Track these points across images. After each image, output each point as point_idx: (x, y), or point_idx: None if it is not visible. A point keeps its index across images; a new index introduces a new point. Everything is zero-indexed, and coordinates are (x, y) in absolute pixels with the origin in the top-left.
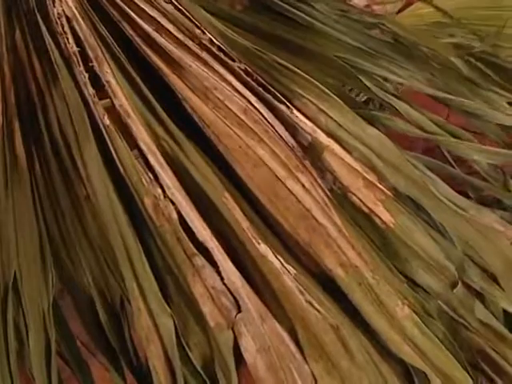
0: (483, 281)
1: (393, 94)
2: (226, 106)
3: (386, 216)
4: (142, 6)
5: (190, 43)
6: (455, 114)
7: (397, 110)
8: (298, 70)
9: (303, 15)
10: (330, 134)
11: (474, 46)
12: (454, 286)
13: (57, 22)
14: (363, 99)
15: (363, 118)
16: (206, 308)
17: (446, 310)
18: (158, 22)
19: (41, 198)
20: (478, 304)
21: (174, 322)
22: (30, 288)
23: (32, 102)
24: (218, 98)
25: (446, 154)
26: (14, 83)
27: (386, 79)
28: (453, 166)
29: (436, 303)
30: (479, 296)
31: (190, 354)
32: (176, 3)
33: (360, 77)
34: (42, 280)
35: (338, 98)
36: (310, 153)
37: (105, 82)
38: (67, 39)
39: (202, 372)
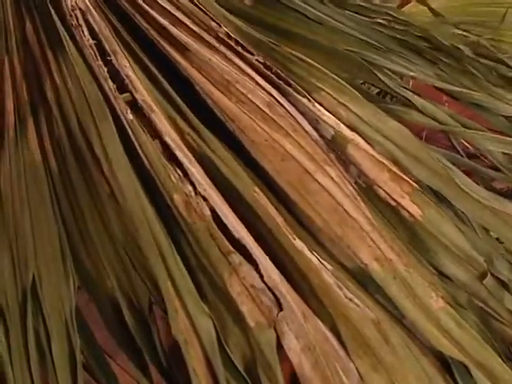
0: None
1: (406, 88)
2: (249, 99)
3: (413, 208)
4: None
5: (206, 36)
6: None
7: (411, 102)
8: (314, 63)
9: (312, 9)
10: (351, 128)
11: (473, 42)
12: (482, 277)
13: (71, 15)
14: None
15: None
16: (245, 307)
17: (475, 302)
18: (173, 15)
19: (58, 198)
20: (507, 295)
21: (214, 323)
22: (50, 292)
23: (46, 99)
24: (241, 92)
25: (457, 147)
26: (25, 79)
27: (396, 73)
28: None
29: (466, 295)
30: (507, 287)
31: (231, 355)
32: None
33: (374, 70)
34: (62, 283)
35: (356, 91)
36: (334, 146)
37: (124, 77)
38: (82, 32)
39: (244, 374)
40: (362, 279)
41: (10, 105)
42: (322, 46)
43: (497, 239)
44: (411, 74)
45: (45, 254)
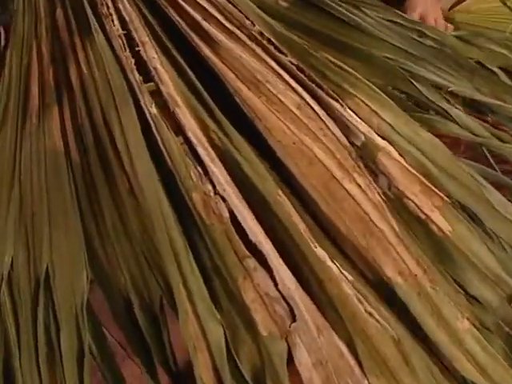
0: None
1: (443, 99)
2: (279, 99)
3: (443, 223)
4: None
5: (239, 33)
6: None
7: (447, 113)
8: (349, 69)
9: (352, 16)
10: (382, 136)
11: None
12: (510, 299)
13: (102, 3)
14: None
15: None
16: (258, 315)
17: (503, 326)
18: (206, 10)
19: (78, 189)
20: None
21: (224, 330)
22: (62, 284)
23: (71, 86)
24: (271, 91)
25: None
26: (52, 65)
27: (432, 83)
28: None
29: (492, 318)
30: None
31: (240, 364)
32: None
33: (411, 80)
34: (76, 276)
35: (389, 99)
36: (363, 154)
37: (151, 68)
38: (112, 21)
39: None
40: (385, 293)
41: (34, 90)
42: (358, 51)
43: None
44: (448, 85)
45: (60, 246)
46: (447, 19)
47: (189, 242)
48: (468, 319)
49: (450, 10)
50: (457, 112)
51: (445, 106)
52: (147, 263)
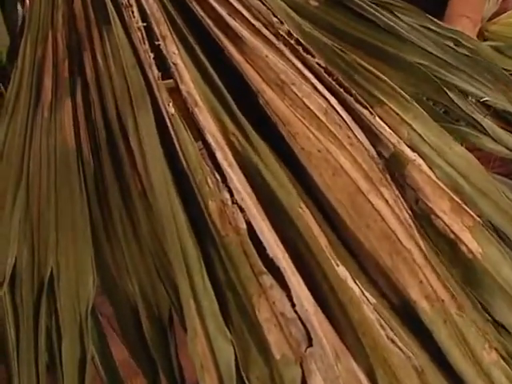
0: None
1: (476, 110)
2: (305, 104)
3: (473, 245)
4: None
5: (266, 32)
6: None
7: (482, 126)
8: (380, 74)
9: (384, 19)
10: (412, 148)
11: None
12: None
13: None
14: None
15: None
16: (272, 336)
17: None
18: (232, 5)
19: (88, 189)
20: None
21: (234, 350)
22: (67, 289)
23: (86, 79)
24: (297, 95)
25: None
26: (68, 56)
27: (466, 93)
28: None
29: None
30: None
31: None
32: None
33: (444, 88)
34: (81, 282)
35: (421, 109)
36: (391, 166)
37: (171, 64)
38: (132, 12)
39: None
40: (409, 318)
41: (48, 82)
42: (390, 56)
43: None
44: (483, 95)
45: (66, 248)
46: (486, 31)
47: (202, 252)
48: (496, 350)
49: (488, 21)
50: (490, 125)
51: (478, 117)
52: (157, 272)
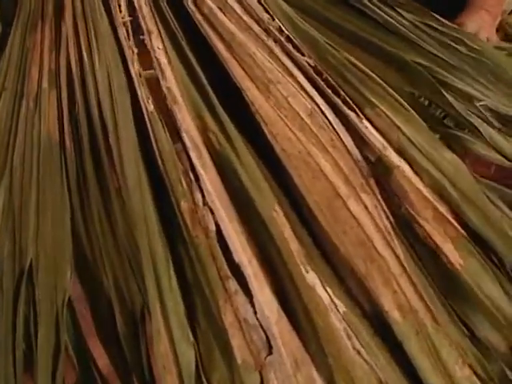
0: None
1: (476, 114)
2: (290, 104)
3: (454, 256)
4: None
5: (256, 28)
6: None
7: (479, 131)
8: (373, 74)
9: (386, 17)
10: (400, 153)
11: None
12: None
13: None
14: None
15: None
16: (235, 341)
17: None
18: (225, 1)
19: (69, 183)
20: None
21: (196, 353)
22: (45, 280)
23: (71, 72)
24: (282, 94)
25: None
26: (55, 48)
27: (466, 96)
28: None
29: (499, 365)
30: None
31: None
32: None
33: (442, 89)
34: (59, 273)
35: (414, 112)
36: (377, 170)
37: (154, 60)
38: (119, 6)
39: None
40: (382, 328)
41: (35, 73)
42: (388, 55)
43: None
44: (484, 99)
45: (46, 241)
46: (506, 23)
47: (173, 252)
48: (470, 366)
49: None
50: (488, 129)
51: (476, 121)
52: (131, 269)
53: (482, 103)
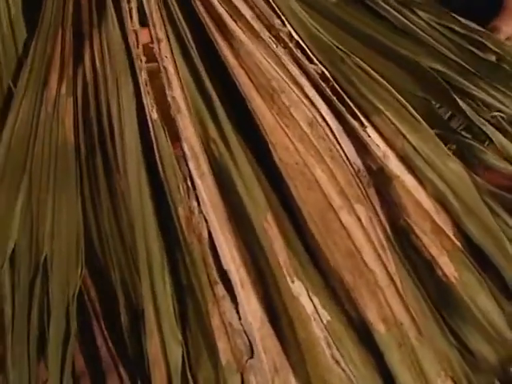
0: None
1: (489, 122)
2: (291, 113)
3: (449, 269)
4: None
5: (265, 35)
6: None
7: (491, 140)
8: (383, 80)
9: (402, 18)
10: (404, 161)
11: None
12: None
13: None
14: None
15: (448, 142)
16: (221, 344)
17: None
18: (235, 6)
19: (83, 186)
20: None
21: (184, 352)
22: (58, 274)
23: (86, 81)
24: (284, 104)
25: None
26: (73, 56)
27: (484, 104)
28: None
29: (488, 377)
30: None
31: None
32: None
33: (455, 96)
34: (70, 268)
35: (421, 119)
36: (378, 179)
37: (161, 68)
38: (131, 15)
39: None
40: (366, 338)
41: (54, 79)
42: (402, 58)
43: None
44: (501, 107)
45: (60, 238)
46: None
47: (169, 255)
48: (452, 379)
49: None
50: (500, 139)
51: (488, 130)
52: (135, 266)
53: (496, 113)
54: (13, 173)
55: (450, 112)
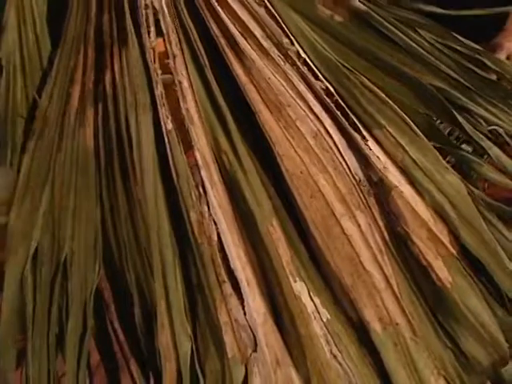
0: None
1: (487, 137)
2: (297, 126)
3: (443, 273)
4: (233, 6)
5: (275, 52)
6: None
7: (488, 154)
8: (385, 97)
9: (405, 38)
10: (404, 172)
11: None
12: (502, 363)
13: (142, 14)
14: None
15: (448, 155)
16: (228, 338)
17: None
18: (246, 26)
19: (102, 191)
20: None
21: (192, 345)
22: (77, 274)
23: (106, 93)
24: (291, 117)
25: None
26: (95, 69)
27: (483, 119)
28: None
29: (480, 378)
30: None
31: (201, 378)
32: (270, 6)
33: (454, 112)
34: (89, 268)
35: (421, 134)
36: (378, 189)
37: (176, 82)
38: (149, 32)
39: None
40: (365, 336)
41: (76, 91)
42: (405, 76)
43: None
44: (499, 123)
45: (79, 239)
46: None
47: (181, 255)
48: (445, 378)
49: None
50: (498, 153)
51: (486, 145)
52: (150, 268)
53: (492, 127)
54: (37, 179)
55: (450, 127)
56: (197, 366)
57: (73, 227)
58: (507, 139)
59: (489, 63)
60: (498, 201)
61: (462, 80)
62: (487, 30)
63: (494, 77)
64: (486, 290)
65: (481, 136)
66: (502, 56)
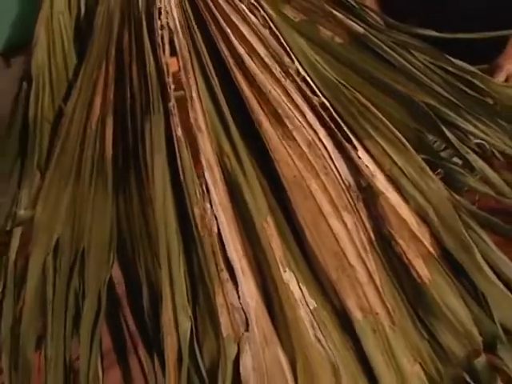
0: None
1: (474, 151)
2: (293, 136)
3: (423, 271)
4: (241, 29)
5: (276, 69)
6: None
7: (472, 166)
8: (377, 112)
9: (400, 59)
10: (391, 180)
11: None
12: (475, 355)
13: (158, 34)
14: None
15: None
16: (223, 319)
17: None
18: (252, 46)
19: (117, 191)
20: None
21: (192, 324)
22: (92, 264)
23: (124, 102)
24: (288, 127)
25: None
26: (115, 82)
27: (472, 135)
28: None
29: (455, 369)
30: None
31: (198, 353)
32: (274, 28)
33: (443, 127)
34: (103, 259)
35: (408, 145)
36: (366, 195)
37: (187, 95)
38: (163, 50)
39: (204, 372)
40: (346, 324)
41: (98, 101)
42: (398, 94)
43: None
44: (485, 137)
45: (96, 233)
46: None
47: (185, 245)
48: (420, 364)
49: None
50: (482, 165)
51: (471, 158)
52: (157, 257)
53: (475, 141)
54: (61, 179)
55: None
56: (195, 343)
57: (91, 222)
58: (495, 153)
59: (479, 84)
60: (486, 211)
61: (451, 98)
62: (488, 51)
63: (483, 96)
64: (463, 289)
65: (467, 150)
66: (501, 77)
